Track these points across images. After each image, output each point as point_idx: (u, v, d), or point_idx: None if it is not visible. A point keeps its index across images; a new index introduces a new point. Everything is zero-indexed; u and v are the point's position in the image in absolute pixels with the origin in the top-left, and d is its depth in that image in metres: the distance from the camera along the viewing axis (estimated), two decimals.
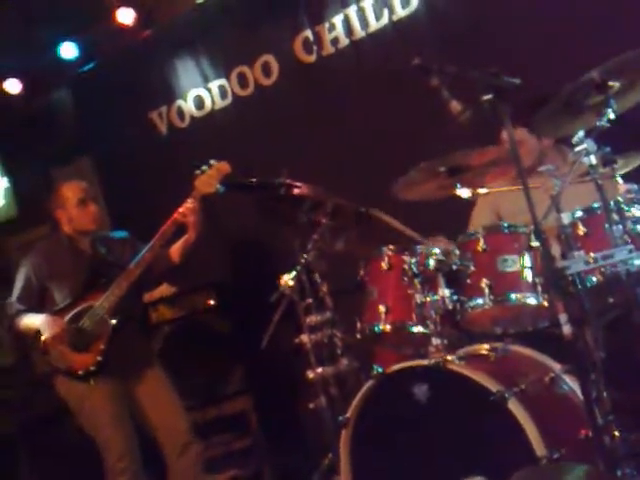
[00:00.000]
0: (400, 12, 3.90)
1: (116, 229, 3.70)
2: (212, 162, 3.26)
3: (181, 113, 4.59)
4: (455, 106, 2.44)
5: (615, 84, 2.34)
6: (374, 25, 3.97)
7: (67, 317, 3.23)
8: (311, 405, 2.81)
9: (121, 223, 4.04)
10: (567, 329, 2.26)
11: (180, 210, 3.29)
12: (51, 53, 4.75)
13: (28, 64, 4.80)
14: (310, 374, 2.81)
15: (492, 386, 2.34)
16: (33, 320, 3.25)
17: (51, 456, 4.32)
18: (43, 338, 3.19)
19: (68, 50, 4.74)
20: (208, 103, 4.51)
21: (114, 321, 3.20)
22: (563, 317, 2.28)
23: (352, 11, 4.02)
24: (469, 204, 3.15)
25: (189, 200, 3.28)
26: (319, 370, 2.80)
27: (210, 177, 3.25)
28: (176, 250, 3.43)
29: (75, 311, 3.23)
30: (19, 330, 3.31)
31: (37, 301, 3.32)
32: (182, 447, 3.28)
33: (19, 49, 4.58)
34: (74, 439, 3.72)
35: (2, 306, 3.46)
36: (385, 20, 3.94)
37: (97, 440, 3.26)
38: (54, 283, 3.33)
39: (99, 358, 3.19)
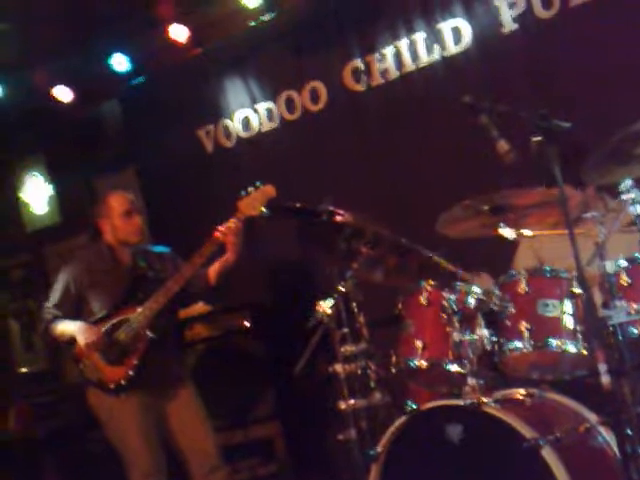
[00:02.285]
0: (452, 48, 3.92)
1: (156, 243, 3.71)
2: (258, 184, 3.27)
3: (228, 133, 4.65)
4: (502, 146, 2.45)
5: None
6: (425, 59, 4.00)
7: (103, 328, 3.23)
8: (340, 436, 2.78)
9: (161, 237, 4.09)
10: (606, 380, 2.24)
11: (221, 229, 3.27)
12: (103, 64, 4.84)
13: (79, 73, 4.90)
14: (342, 405, 2.77)
15: (527, 432, 2.32)
16: (69, 326, 3.26)
17: (76, 467, 4.34)
18: (78, 345, 3.20)
19: (120, 62, 4.82)
20: (255, 124, 4.56)
21: (149, 336, 3.21)
22: (602, 367, 2.26)
23: (403, 44, 4.04)
24: (513, 245, 3.14)
25: (231, 220, 3.27)
26: (351, 402, 2.76)
27: (255, 199, 3.26)
28: (214, 271, 3.40)
29: (111, 323, 3.24)
30: (54, 336, 3.31)
31: (73, 310, 3.33)
32: (209, 470, 3.27)
33: (72, 57, 4.68)
34: (100, 451, 3.74)
35: (39, 311, 3.50)
36: (436, 55, 3.96)
37: (123, 455, 3.26)
38: (92, 293, 3.34)
39: (131, 373, 3.19)
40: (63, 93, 4.99)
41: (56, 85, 4.94)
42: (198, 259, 3.28)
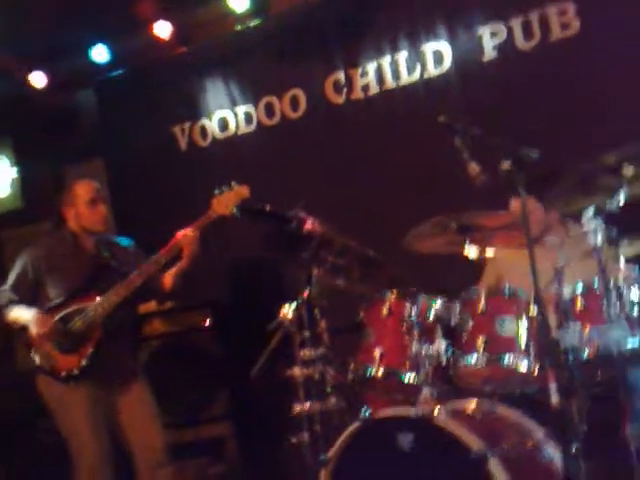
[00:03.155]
0: (432, 70, 4.02)
1: (119, 235, 3.68)
2: (233, 184, 3.28)
3: (204, 132, 4.65)
4: (473, 168, 2.53)
5: (629, 169, 2.43)
6: (405, 78, 4.08)
7: (58, 316, 3.19)
8: (293, 440, 2.80)
9: (125, 230, 4.04)
10: (555, 398, 2.30)
11: (179, 236, 3.28)
12: (82, 54, 4.80)
13: (57, 60, 4.85)
14: (297, 408, 2.80)
15: (475, 444, 2.37)
16: (23, 314, 3.22)
17: (22, 455, 4.24)
18: (30, 334, 3.16)
19: (100, 53, 4.79)
20: (232, 126, 4.57)
21: (105, 327, 3.17)
22: (552, 386, 2.33)
23: (386, 62, 4.12)
24: (480, 265, 3.22)
25: (190, 229, 3.27)
26: (306, 405, 2.79)
27: (228, 199, 3.27)
28: (169, 278, 3.40)
29: (67, 311, 3.20)
30: (7, 321, 3.26)
31: (30, 294, 3.28)
32: (155, 466, 3.24)
33: (51, 43, 4.61)
34: (49, 439, 3.67)
35: None
36: (417, 75, 4.05)
37: (71, 445, 3.21)
38: (50, 278, 3.29)
39: (84, 362, 3.15)
40: (38, 78, 4.92)
41: (33, 70, 4.88)
42: (163, 257, 3.28)
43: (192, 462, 3.95)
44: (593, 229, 2.42)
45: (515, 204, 3.12)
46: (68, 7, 4.32)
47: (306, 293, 2.93)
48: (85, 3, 4.29)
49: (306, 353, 2.87)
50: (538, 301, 2.41)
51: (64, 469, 3.25)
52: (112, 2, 4.33)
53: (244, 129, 4.53)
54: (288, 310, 2.90)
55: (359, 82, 4.19)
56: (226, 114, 4.60)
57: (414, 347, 2.63)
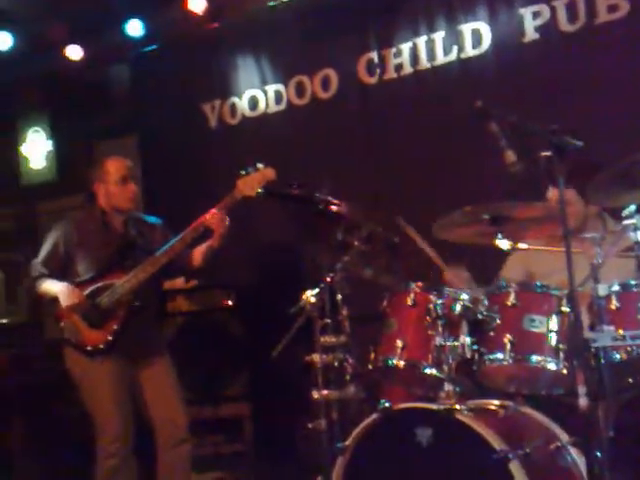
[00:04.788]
0: (469, 51, 3.89)
1: (148, 213, 3.68)
2: (259, 166, 3.22)
3: (234, 110, 4.62)
4: (509, 156, 2.43)
5: None
6: (441, 59, 3.97)
7: (87, 291, 3.22)
8: (310, 425, 2.77)
9: (154, 207, 4.05)
10: (583, 401, 2.22)
11: (207, 216, 3.24)
12: (117, 28, 4.81)
13: (93, 34, 4.86)
14: (315, 394, 2.77)
15: (497, 444, 2.30)
16: (53, 286, 3.25)
17: (46, 423, 4.33)
18: (60, 305, 3.19)
19: (134, 28, 4.80)
20: (262, 105, 4.53)
21: (132, 304, 3.20)
22: (581, 389, 2.24)
23: (422, 41, 4.02)
24: (499, 255, 3.12)
25: (215, 209, 3.22)
26: (324, 392, 2.76)
27: (254, 180, 3.21)
28: (199, 254, 3.38)
29: (95, 286, 3.23)
30: (38, 293, 3.30)
31: (60, 268, 3.31)
32: (176, 441, 3.27)
33: (87, 18, 4.63)
34: (71, 411, 3.73)
35: (26, 266, 3.48)
36: (453, 56, 3.94)
37: (94, 418, 3.25)
38: (80, 254, 3.32)
39: (110, 337, 3.18)
40: (75, 52, 4.94)
41: (69, 44, 4.90)
42: (189, 235, 3.26)
43: (209, 438, 4.00)
44: (633, 226, 2.30)
45: (553, 194, 2.99)
46: None
47: (330, 279, 2.88)
48: None
49: (327, 339, 2.84)
50: (572, 299, 2.31)
51: (87, 439, 3.28)
52: None
53: (274, 108, 4.49)
54: (310, 295, 2.86)
55: (392, 62, 4.10)
56: (256, 93, 4.56)
57: (437, 340, 2.55)
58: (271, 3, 4.42)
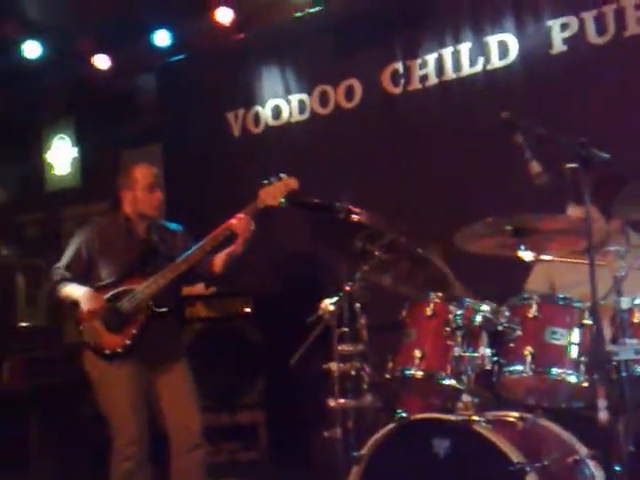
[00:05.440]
0: (496, 62, 3.88)
1: (170, 220, 3.70)
2: (282, 176, 3.25)
3: (257, 119, 4.65)
4: (535, 167, 2.42)
5: None
6: (467, 70, 3.96)
7: (107, 295, 3.25)
8: (326, 434, 2.76)
9: (176, 215, 4.07)
10: (603, 415, 2.18)
11: (233, 221, 3.27)
12: (145, 38, 4.88)
13: (121, 44, 4.93)
14: (331, 402, 2.75)
15: (514, 456, 2.26)
16: (75, 290, 3.28)
17: (62, 425, 4.36)
18: (81, 310, 3.21)
19: (162, 38, 4.86)
20: (285, 114, 4.55)
21: (151, 309, 3.22)
22: (602, 402, 2.21)
23: (447, 52, 4.01)
24: (523, 267, 3.09)
25: (243, 213, 3.25)
26: (341, 400, 2.75)
27: (276, 190, 3.24)
28: (220, 259, 3.39)
29: (116, 291, 3.26)
30: (59, 297, 3.33)
31: (83, 273, 3.35)
32: (190, 446, 3.28)
33: (116, 27, 4.69)
34: (88, 414, 3.75)
35: (48, 270, 3.52)
36: (479, 67, 3.92)
37: (110, 421, 3.27)
38: (102, 259, 3.35)
39: (128, 342, 3.20)
40: (102, 61, 5.02)
41: (97, 53, 4.98)
42: (210, 243, 3.28)
43: (225, 445, 4.00)
44: None
45: (573, 212, 2.97)
46: None
47: (348, 288, 2.87)
48: None
49: (344, 348, 2.83)
50: (594, 311, 2.28)
51: (103, 442, 3.30)
52: None
53: (297, 117, 4.51)
54: (329, 303, 2.85)
55: (417, 73, 4.09)
56: (280, 102, 4.58)
57: (456, 351, 2.53)
58: (297, 14, 4.45)
